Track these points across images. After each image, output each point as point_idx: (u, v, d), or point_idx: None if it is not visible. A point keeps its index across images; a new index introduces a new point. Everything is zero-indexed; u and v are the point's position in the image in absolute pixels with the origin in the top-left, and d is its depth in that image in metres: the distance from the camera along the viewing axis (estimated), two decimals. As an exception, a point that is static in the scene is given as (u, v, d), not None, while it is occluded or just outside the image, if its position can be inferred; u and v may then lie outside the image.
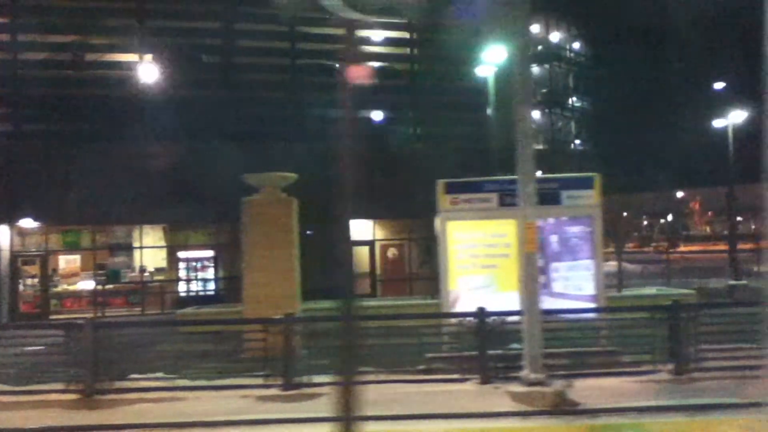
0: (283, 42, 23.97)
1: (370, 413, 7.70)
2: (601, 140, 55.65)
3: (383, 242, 23.87)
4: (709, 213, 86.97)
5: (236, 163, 20.91)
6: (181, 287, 23.33)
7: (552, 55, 50.36)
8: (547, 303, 10.10)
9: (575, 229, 10.16)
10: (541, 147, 49.21)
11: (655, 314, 8.84)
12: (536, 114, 50.96)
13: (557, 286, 10.14)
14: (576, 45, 55.02)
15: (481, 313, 8.81)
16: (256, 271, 11.58)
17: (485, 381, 8.58)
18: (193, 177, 20.05)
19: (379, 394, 8.45)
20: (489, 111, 20.34)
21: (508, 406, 7.86)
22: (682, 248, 52.42)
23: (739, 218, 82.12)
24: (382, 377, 8.84)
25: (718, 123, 22.37)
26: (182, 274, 23.30)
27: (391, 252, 24.10)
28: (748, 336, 8.99)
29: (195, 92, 22.66)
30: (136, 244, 23.58)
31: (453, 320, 9.20)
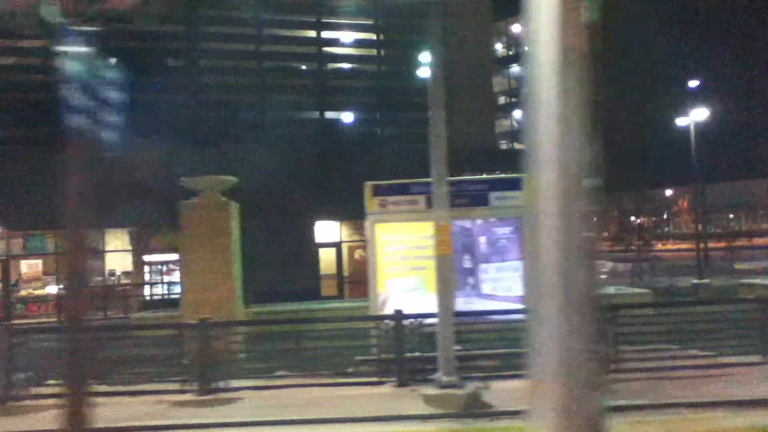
0: (247, 44, 23.94)
1: (283, 417, 7.77)
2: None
3: (350, 244, 23.82)
4: (698, 210, 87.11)
5: (200, 166, 20.98)
6: (147, 291, 23.27)
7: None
8: (477, 304, 10.13)
9: (504, 231, 10.16)
10: (521, 147, 49.40)
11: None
12: (518, 113, 51.15)
13: (486, 288, 10.13)
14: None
15: (398, 315, 8.81)
16: (194, 275, 11.55)
17: (402, 384, 8.59)
18: (157, 180, 20.00)
19: (297, 398, 8.48)
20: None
21: (419, 409, 7.86)
22: (660, 246, 52.40)
23: (731, 215, 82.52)
24: (302, 381, 8.85)
25: (680, 121, 22.41)
26: (148, 277, 23.24)
27: (359, 253, 24.06)
28: (669, 337, 9.04)
29: (159, 96, 22.58)
30: (104, 247, 23.55)
31: (371, 323, 9.14)
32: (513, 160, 24.25)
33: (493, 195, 10.11)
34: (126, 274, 23.93)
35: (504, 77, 50.05)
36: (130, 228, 23.04)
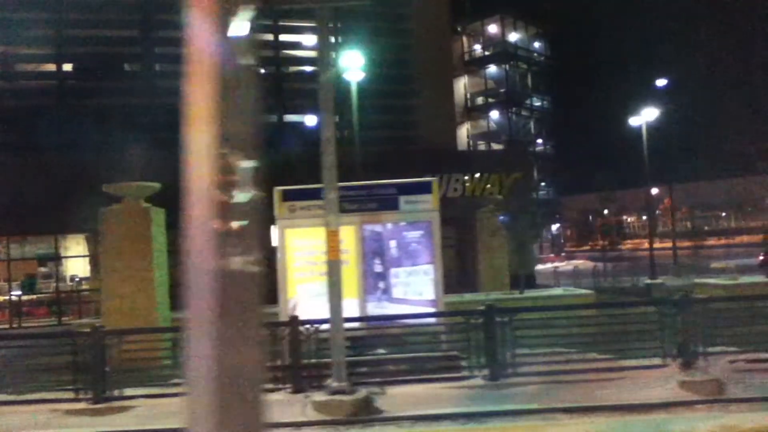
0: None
1: (171, 426, 7.69)
2: (563, 139, 55.78)
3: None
4: (683, 209, 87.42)
5: (155, 170, 20.89)
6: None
7: (509, 55, 50.47)
8: (388, 308, 10.08)
9: (415, 234, 10.10)
10: (500, 147, 49.37)
11: (469, 319, 8.80)
12: (495, 114, 51.09)
13: (397, 292, 10.07)
14: (536, 44, 55.24)
15: (292, 322, 8.76)
16: (113, 282, 11.46)
17: (297, 390, 8.53)
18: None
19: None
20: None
21: (307, 415, 7.81)
22: (647, 245, 52.25)
23: (723, 214, 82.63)
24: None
25: (633, 121, 22.38)
26: (105, 282, 23.10)
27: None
28: (566, 340, 9.00)
29: (113, 101, 22.52)
30: (62, 253, 23.49)
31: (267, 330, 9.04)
32: (475, 162, 24.23)
33: (403, 199, 10.05)
34: (86, 279, 23.81)
35: (480, 78, 49.97)
36: (86, 233, 22.92)
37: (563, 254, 50.00)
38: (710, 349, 8.81)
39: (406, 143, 26.07)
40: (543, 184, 53.72)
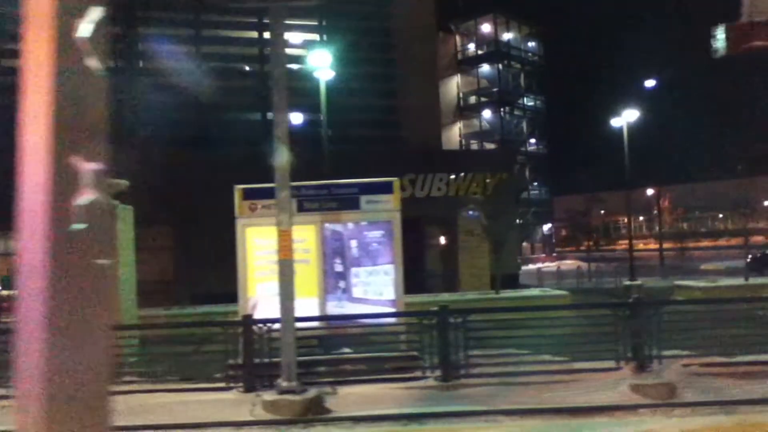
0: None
1: (119, 423, 7.68)
2: (556, 139, 55.75)
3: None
4: (679, 210, 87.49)
5: (118, 168, 20.88)
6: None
7: (502, 54, 50.48)
8: (347, 308, 10.06)
9: (375, 234, 10.08)
10: (493, 146, 49.38)
11: (422, 320, 8.79)
12: (487, 113, 51.13)
13: (357, 291, 10.05)
14: (529, 44, 55.20)
15: (245, 321, 8.74)
16: (78, 279, 11.41)
17: (249, 389, 8.51)
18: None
19: (141, 405, 8.37)
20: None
21: (254, 415, 7.80)
22: (642, 246, 52.59)
23: (720, 215, 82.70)
24: (151, 387, 8.76)
25: (615, 122, 22.35)
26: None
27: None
28: (522, 341, 8.99)
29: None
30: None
31: (218, 328, 9.05)
32: (460, 161, 24.23)
33: (365, 198, 10.03)
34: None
35: (473, 77, 49.99)
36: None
37: (555, 254, 49.99)
38: (665, 353, 8.80)
39: (390, 142, 26.07)
40: (536, 183, 53.78)
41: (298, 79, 25.18)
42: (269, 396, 7.94)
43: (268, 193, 9.96)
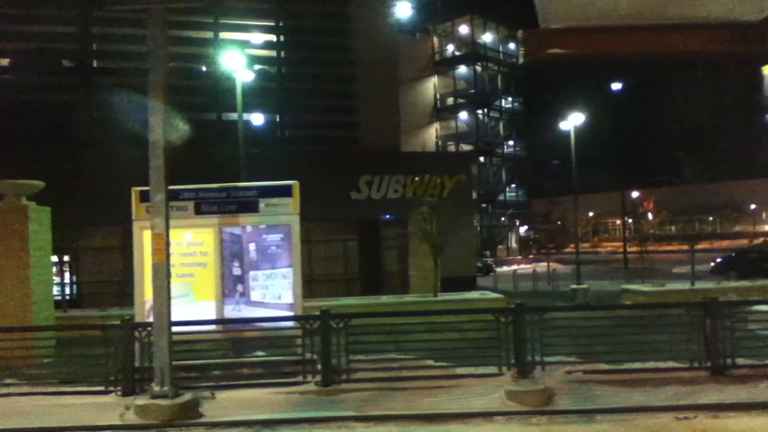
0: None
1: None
2: (534, 141, 55.76)
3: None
4: (663, 213, 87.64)
5: (89, 168, 20.86)
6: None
7: (479, 55, 50.46)
8: (245, 312, 10.02)
9: (274, 237, 10.05)
10: (470, 148, 49.38)
11: (305, 324, 8.76)
12: (464, 115, 51.10)
13: (256, 295, 10.01)
14: (508, 46, 55.20)
15: (127, 324, 8.70)
16: (-14, 280, 11.38)
17: (127, 393, 8.48)
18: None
19: (17, 408, 8.32)
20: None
21: (125, 419, 7.78)
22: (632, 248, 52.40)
23: (710, 218, 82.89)
24: (31, 390, 8.72)
25: (564, 126, 22.35)
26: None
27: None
28: (409, 346, 8.97)
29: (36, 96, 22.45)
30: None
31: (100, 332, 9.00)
32: (418, 163, 24.14)
33: (264, 202, 9.99)
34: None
35: (450, 78, 49.98)
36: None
37: (531, 256, 50.02)
38: (549, 359, 8.80)
39: (348, 144, 26.04)
40: (513, 186, 53.81)
41: (254, 79, 25.10)
42: (141, 400, 7.91)
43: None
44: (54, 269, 22.70)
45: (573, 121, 20.21)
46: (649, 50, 4.81)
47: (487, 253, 48.95)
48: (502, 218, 51.69)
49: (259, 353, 10.20)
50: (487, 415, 7.13)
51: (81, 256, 23.05)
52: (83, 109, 22.38)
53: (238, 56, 18.17)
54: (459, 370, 8.77)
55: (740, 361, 8.87)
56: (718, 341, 8.68)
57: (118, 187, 10.85)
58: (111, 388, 8.55)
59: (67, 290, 23.09)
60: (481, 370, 8.78)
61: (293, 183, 10.10)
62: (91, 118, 22.40)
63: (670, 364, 8.91)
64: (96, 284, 22.14)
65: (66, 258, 22.97)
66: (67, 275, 23.05)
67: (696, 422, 7.02)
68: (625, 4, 4.48)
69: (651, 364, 8.89)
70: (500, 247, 52.10)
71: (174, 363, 8.82)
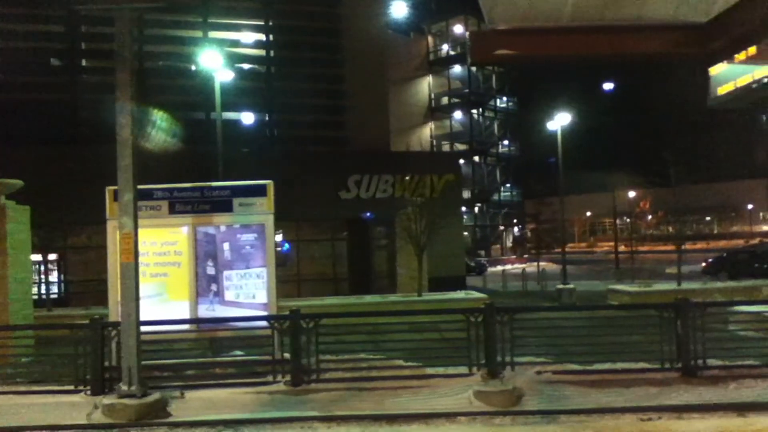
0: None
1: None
2: (529, 141, 55.72)
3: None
4: (659, 213, 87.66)
5: (75, 167, 20.83)
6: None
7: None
8: (219, 311, 10.02)
9: (248, 237, 10.04)
10: (465, 147, 49.41)
11: (274, 323, 8.76)
12: (458, 114, 51.10)
13: (229, 295, 10.01)
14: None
15: (96, 324, 8.69)
16: (-37, 279, 11.37)
17: (96, 392, 8.47)
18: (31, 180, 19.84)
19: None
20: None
21: (92, 419, 7.76)
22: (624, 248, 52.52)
23: (707, 218, 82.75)
24: (5, 389, 8.72)
25: (551, 126, 22.35)
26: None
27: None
28: (384, 346, 8.97)
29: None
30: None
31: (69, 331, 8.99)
32: (407, 163, 24.04)
33: (237, 201, 9.99)
34: None
35: (445, 78, 49.96)
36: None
37: (526, 256, 50.01)
38: (519, 359, 8.79)
39: (337, 143, 26.04)
40: (507, 185, 53.80)
41: (244, 78, 25.14)
42: (108, 400, 7.90)
43: (142, 195, 9.89)
44: (40, 268, 22.81)
45: (560, 121, 20.18)
46: (599, 52, 4.82)
47: (482, 252, 48.98)
48: (500, 218, 51.69)
49: (238, 353, 10.24)
50: (450, 416, 7.12)
51: (68, 254, 23.02)
52: (69, 108, 22.33)
53: (217, 55, 18.11)
54: (429, 370, 8.76)
55: (712, 362, 8.87)
56: (689, 342, 8.67)
57: (104, 186, 10.88)
58: (81, 388, 8.54)
59: (55, 289, 23.13)
60: (451, 370, 8.77)
61: (267, 183, 10.09)
62: (77, 116, 22.36)
63: (641, 365, 8.91)
64: (83, 283, 22.12)
65: (53, 257, 22.98)
66: (55, 274, 23.06)
67: (659, 423, 7.01)
68: (570, 6, 4.48)
69: (621, 365, 8.89)
70: (495, 246, 52.10)
71: (146, 362, 8.85)
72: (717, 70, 5.92)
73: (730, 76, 6.04)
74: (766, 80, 5.46)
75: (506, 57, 4.57)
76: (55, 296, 22.51)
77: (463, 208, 46.16)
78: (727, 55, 5.17)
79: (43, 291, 22.67)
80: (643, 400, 7.74)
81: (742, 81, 5.82)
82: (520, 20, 4.38)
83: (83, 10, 16.05)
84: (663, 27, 4.37)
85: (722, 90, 6.01)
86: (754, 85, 5.57)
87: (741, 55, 5.13)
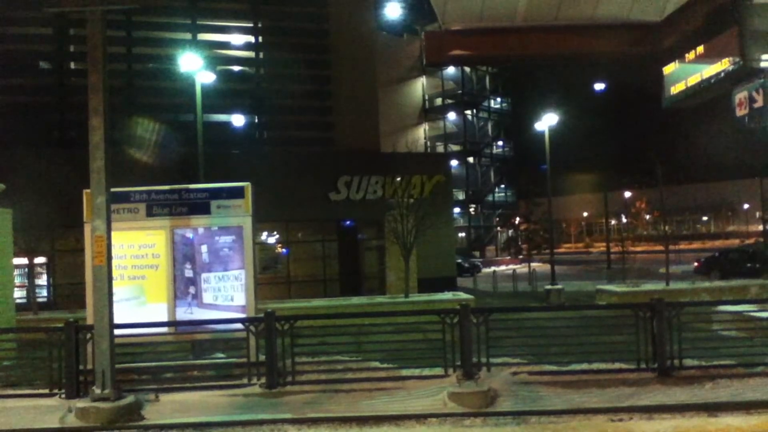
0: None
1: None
2: (523, 142, 55.71)
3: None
4: (655, 213, 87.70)
5: (63, 169, 20.78)
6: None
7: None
8: (197, 314, 9.99)
9: (226, 239, 10.02)
10: (458, 148, 49.42)
11: (249, 326, 8.74)
12: (452, 115, 51.10)
13: (207, 297, 9.98)
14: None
15: (70, 327, 8.67)
16: (-55, 282, 11.37)
17: (71, 396, 8.45)
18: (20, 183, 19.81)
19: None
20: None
21: (65, 422, 7.76)
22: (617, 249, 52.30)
23: (704, 218, 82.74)
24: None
25: (539, 126, 22.32)
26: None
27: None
28: (348, 348, 8.96)
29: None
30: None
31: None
32: (397, 164, 24.00)
33: (215, 203, 9.96)
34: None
35: (438, 78, 49.94)
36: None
37: (520, 257, 49.96)
38: (494, 360, 8.78)
39: (327, 144, 26.03)
40: (502, 186, 53.81)
41: (232, 80, 25.14)
42: (82, 403, 7.89)
43: (119, 197, 9.92)
44: (26, 271, 22.74)
45: (547, 122, 20.16)
46: (553, 52, 4.80)
47: (477, 253, 48.96)
48: (496, 218, 51.69)
49: (220, 355, 10.22)
50: (421, 417, 7.11)
51: (56, 258, 22.97)
52: (57, 111, 22.30)
53: (197, 57, 18.11)
54: (405, 372, 8.75)
55: (688, 362, 8.88)
56: (665, 342, 8.67)
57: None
58: (56, 391, 8.52)
59: (44, 293, 23.06)
60: (427, 371, 8.77)
61: (245, 184, 10.07)
62: (64, 119, 22.33)
63: (617, 365, 8.91)
64: (71, 286, 22.00)
65: (41, 260, 22.91)
66: (44, 277, 22.99)
67: (630, 424, 7.02)
68: (523, 5, 4.46)
69: (598, 366, 8.88)
70: (490, 247, 52.10)
71: (122, 366, 8.85)
72: (669, 69, 5.90)
73: (681, 75, 6.01)
74: (713, 80, 5.44)
75: (461, 57, 4.56)
76: (44, 300, 22.45)
77: (458, 209, 46.29)
78: (679, 54, 5.15)
79: (29, 294, 22.67)
80: (617, 400, 7.73)
81: (693, 80, 5.79)
82: (474, 20, 4.38)
83: (56, 11, 16.06)
84: (617, 26, 4.36)
85: (675, 89, 5.98)
86: (702, 84, 5.54)
87: (691, 55, 5.12)
